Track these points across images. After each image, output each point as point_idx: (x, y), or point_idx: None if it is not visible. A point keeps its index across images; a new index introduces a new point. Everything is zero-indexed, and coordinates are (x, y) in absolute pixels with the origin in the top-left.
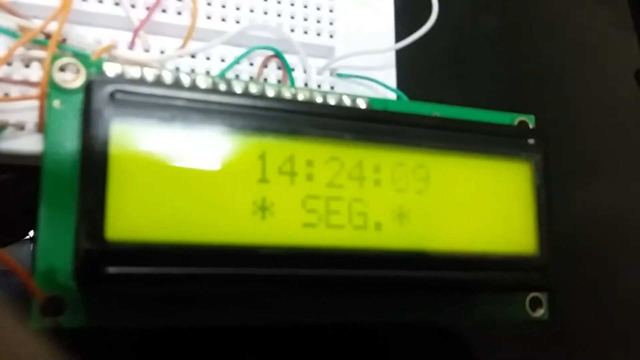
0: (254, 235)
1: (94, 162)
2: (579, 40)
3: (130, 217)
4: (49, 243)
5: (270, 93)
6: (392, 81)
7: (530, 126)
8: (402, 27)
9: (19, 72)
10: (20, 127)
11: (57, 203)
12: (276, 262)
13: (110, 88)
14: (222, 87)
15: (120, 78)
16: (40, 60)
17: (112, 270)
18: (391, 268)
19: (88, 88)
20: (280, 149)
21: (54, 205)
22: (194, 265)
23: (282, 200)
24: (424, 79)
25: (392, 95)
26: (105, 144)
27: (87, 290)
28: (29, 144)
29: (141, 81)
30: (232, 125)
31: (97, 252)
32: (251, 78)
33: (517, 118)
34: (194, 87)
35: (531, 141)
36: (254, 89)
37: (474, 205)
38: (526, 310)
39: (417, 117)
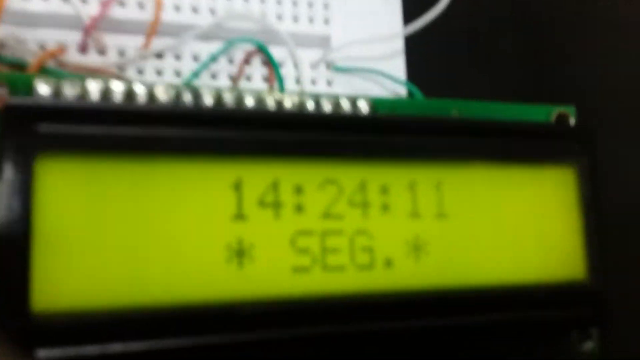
0: (229, 288)
1: (13, 213)
2: (614, 15)
3: (62, 282)
4: None
5: (249, 101)
6: (401, 73)
7: (571, 121)
8: (411, 8)
9: None
10: None
11: None
12: (260, 322)
13: (35, 113)
14: (187, 97)
15: (51, 101)
16: None
17: (41, 352)
18: (407, 316)
19: (4, 114)
20: (259, 174)
21: None
22: (152, 336)
23: (264, 240)
24: (438, 68)
25: (402, 90)
26: (27, 189)
27: None
28: None
29: (77, 103)
30: (196, 147)
31: (22, 332)
32: (231, 79)
33: (555, 111)
34: (149, 106)
35: (574, 142)
36: (227, 97)
37: (506, 228)
38: (572, 343)
39: (431, 122)
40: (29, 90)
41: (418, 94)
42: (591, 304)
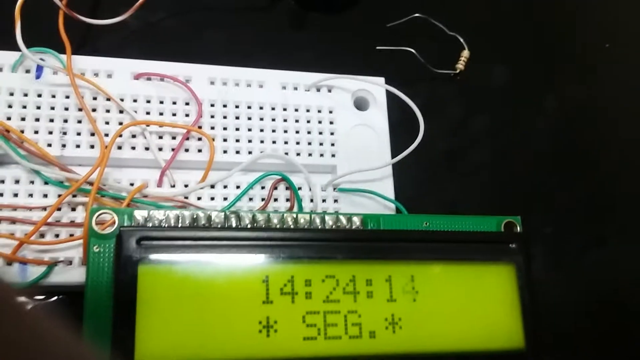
0: (260, 350)
1: (124, 299)
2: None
3: (157, 344)
4: None
5: (275, 220)
6: (389, 191)
7: (517, 227)
8: (397, 144)
9: (66, 215)
10: (69, 262)
11: (96, 327)
12: None
13: (137, 235)
14: (233, 220)
15: (145, 225)
16: (83, 204)
17: None
18: None
19: (119, 237)
20: (281, 272)
21: (93, 327)
22: None
23: (284, 318)
24: (419, 185)
25: (392, 206)
26: (133, 285)
27: None
28: (76, 276)
29: (162, 227)
30: (240, 255)
31: None
32: (262, 200)
33: (504, 220)
34: (207, 226)
35: (513, 245)
36: (260, 218)
37: (461, 308)
38: None
39: (404, 233)
40: (131, 217)
41: (402, 209)
42: None
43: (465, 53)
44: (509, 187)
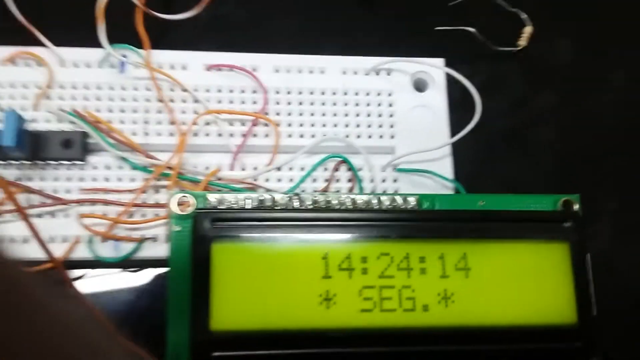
0: (321, 321)
1: (200, 273)
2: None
3: (228, 313)
4: (175, 332)
5: (334, 201)
6: (448, 171)
7: (576, 206)
8: (457, 122)
9: (152, 197)
10: (154, 239)
11: (179, 295)
12: (340, 343)
13: (210, 217)
14: (295, 202)
15: (218, 208)
16: (166, 187)
17: (216, 354)
18: (438, 344)
19: (195, 218)
20: (339, 250)
21: (178, 297)
22: (277, 348)
23: (342, 291)
24: (480, 164)
25: (449, 185)
26: (208, 260)
27: None
28: (161, 251)
29: (233, 209)
30: (302, 234)
31: (205, 342)
32: (326, 181)
33: (562, 199)
34: (272, 207)
35: (567, 224)
36: (320, 199)
37: (514, 284)
38: None
39: (456, 213)
40: (205, 199)
41: (461, 188)
42: (580, 340)
43: (528, 29)
44: (572, 166)
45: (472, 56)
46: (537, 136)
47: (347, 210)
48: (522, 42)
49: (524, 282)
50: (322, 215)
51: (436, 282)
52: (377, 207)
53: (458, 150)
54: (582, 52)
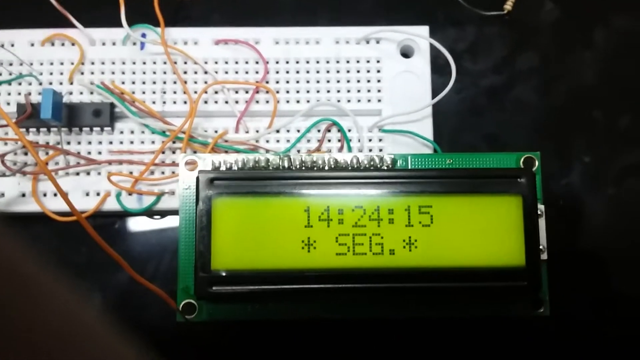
0: (303, 263)
1: (203, 223)
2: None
3: (226, 256)
4: (184, 271)
5: (319, 161)
6: (428, 131)
7: (537, 163)
8: (442, 83)
9: (169, 157)
10: (172, 192)
11: (187, 241)
12: (319, 281)
13: (210, 176)
14: (285, 162)
15: (218, 168)
16: (179, 148)
17: (215, 289)
18: (402, 282)
19: (197, 178)
20: (319, 203)
21: (186, 242)
22: (266, 284)
23: (321, 238)
24: (462, 124)
25: (429, 145)
26: (209, 213)
27: (202, 301)
28: (176, 203)
29: (230, 170)
30: (287, 190)
31: (206, 279)
32: (318, 141)
33: (523, 156)
34: (264, 168)
35: (521, 179)
36: (307, 159)
37: (471, 233)
38: (528, 309)
39: (423, 171)
40: (209, 161)
41: (437, 147)
42: (526, 280)
43: None
44: (551, 122)
45: (459, 21)
46: (518, 95)
47: (326, 170)
48: (508, 6)
49: (480, 231)
50: (304, 174)
51: (402, 230)
52: (357, 166)
53: (441, 111)
54: (565, 14)
